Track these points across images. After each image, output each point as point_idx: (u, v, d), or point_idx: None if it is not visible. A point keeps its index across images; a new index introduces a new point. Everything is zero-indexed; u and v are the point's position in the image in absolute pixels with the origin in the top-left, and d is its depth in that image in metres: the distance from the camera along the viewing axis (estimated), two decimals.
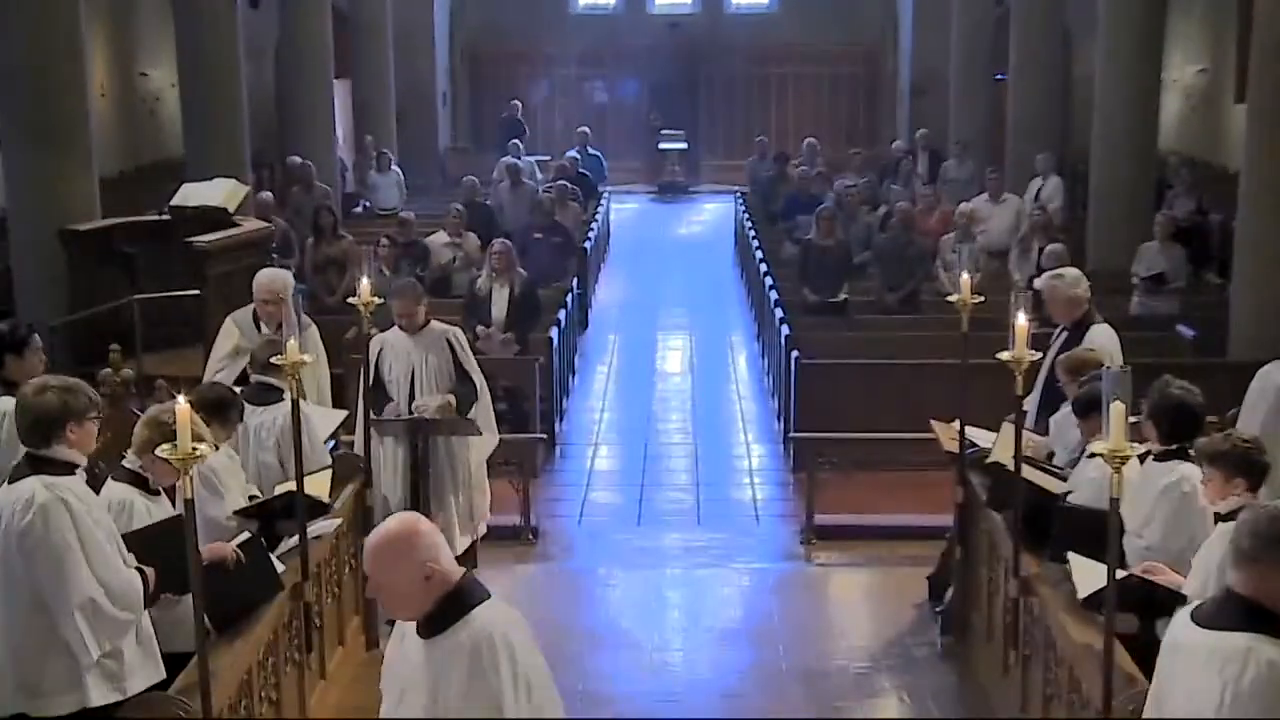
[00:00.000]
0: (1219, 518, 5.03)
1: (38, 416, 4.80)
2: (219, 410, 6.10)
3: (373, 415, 7.84)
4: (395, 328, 8.06)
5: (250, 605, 5.72)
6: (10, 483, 4.85)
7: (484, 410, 8.07)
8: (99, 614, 4.71)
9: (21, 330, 6.76)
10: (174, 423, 5.21)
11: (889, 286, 12.75)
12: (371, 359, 7.93)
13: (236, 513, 6.03)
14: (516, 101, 25.79)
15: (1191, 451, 5.40)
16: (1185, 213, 13.75)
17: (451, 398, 7.91)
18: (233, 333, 7.66)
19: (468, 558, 8.12)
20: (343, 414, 7.59)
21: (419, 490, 7.83)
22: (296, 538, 6.23)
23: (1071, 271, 7.67)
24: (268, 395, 6.89)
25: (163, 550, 5.09)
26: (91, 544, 4.73)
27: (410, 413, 7.88)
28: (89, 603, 4.69)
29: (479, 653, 3.66)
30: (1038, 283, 7.91)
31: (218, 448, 6.00)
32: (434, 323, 8.14)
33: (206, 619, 5.15)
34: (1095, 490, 6.02)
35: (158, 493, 5.42)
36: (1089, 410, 6.09)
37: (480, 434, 7.90)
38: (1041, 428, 7.22)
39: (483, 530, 8.29)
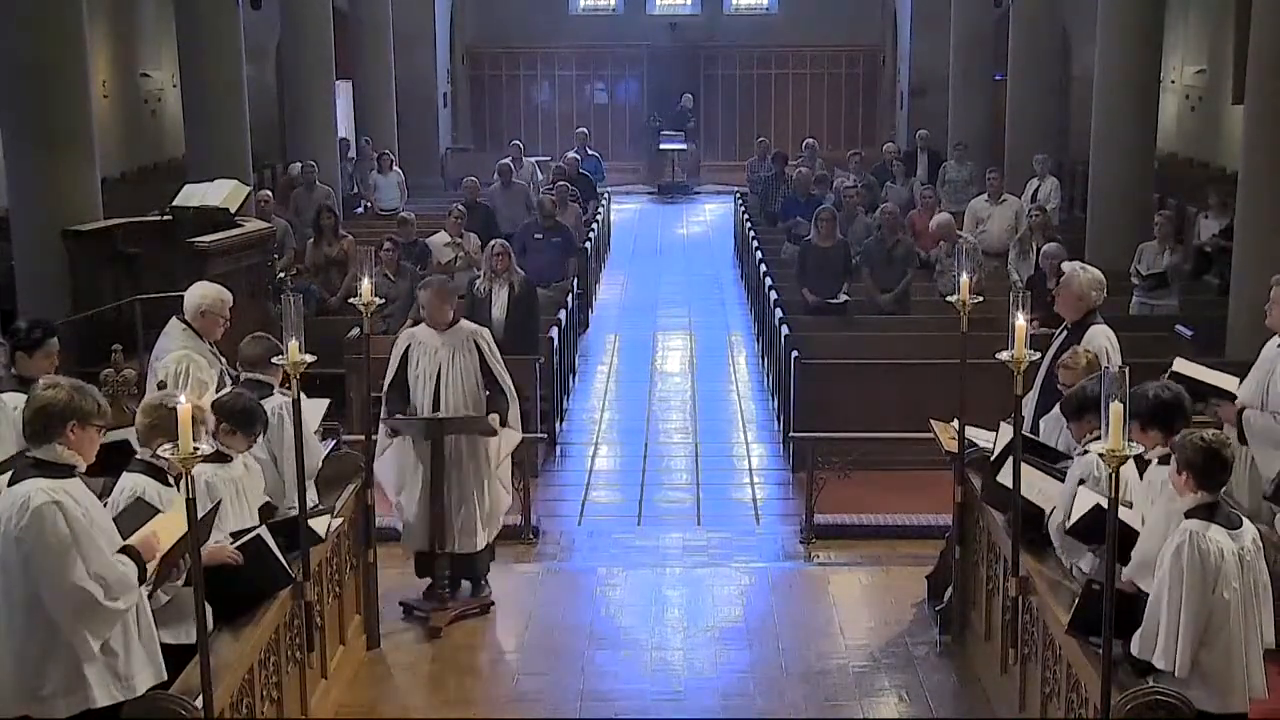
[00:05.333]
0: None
1: (43, 407, 4.82)
2: (246, 421, 6.09)
3: (392, 415, 7.88)
4: (423, 324, 8.02)
5: (260, 599, 5.77)
6: (9, 485, 4.87)
7: (513, 410, 8.05)
8: (96, 612, 4.73)
9: (37, 332, 6.74)
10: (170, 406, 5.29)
11: (880, 288, 12.77)
12: (398, 354, 7.95)
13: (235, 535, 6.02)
14: (689, 94, 26.83)
15: None
16: (1210, 236, 13.55)
17: (495, 416, 7.83)
18: (203, 365, 7.25)
19: (487, 554, 8.16)
20: (325, 402, 7.52)
21: (440, 489, 7.83)
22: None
23: (1097, 273, 7.64)
24: (259, 391, 6.88)
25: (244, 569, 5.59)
26: (87, 543, 4.74)
27: (434, 410, 7.82)
28: (86, 602, 4.70)
29: None
30: (1065, 265, 7.89)
31: (230, 457, 6.02)
32: (463, 322, 8.13)
33: (210, 612, 5.20)
34: (1071, 488, 6.01)
35: (170, 484, 5.43)
36: (1081, 412, 6.10)
37: (495, 433, 7.89)
38: (1039, 428, 7.24)
39: (496, 529, 8.27)
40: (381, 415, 7.93)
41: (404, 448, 7.95)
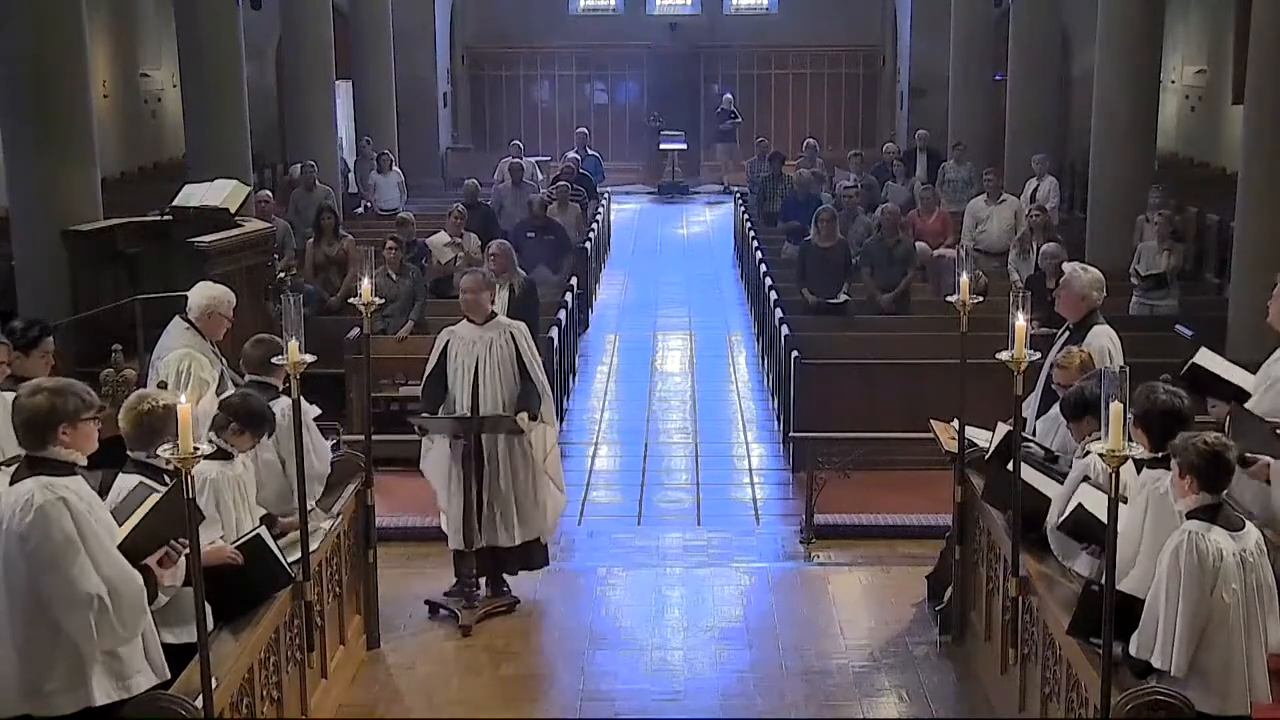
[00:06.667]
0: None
1: (28, 418, 4.83)
2: (256, 422, 6.09)
3: (425, 413, 7.91)
4: (464, 320, 8.03)
5: (260, 599, 5.77)
6: (10, 484, 4.88)
7: (546, 405, 8.07)
8: (104, 612, 4.73)
9: (33, 331, 6.75)
10: (156, 409, 5.28)
11: (880, 287, 12.77)
12: (438, 350, 7.97)
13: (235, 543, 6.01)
14: (729, 94, 26.72)
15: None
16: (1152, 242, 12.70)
17: (524, 415, 7.84)
18: (205, 364, 7.33)
19: (526, 553, 8.17)
20: (316, 410, 7.46)
21: (472, 486, 7.83)
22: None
23: (1097, 272, 7.63)
24: (264, 394, 6.87)
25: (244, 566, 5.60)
26: (94, 541, 4.74)
27: (473, 406, 7.83)
28: (96, 600, 4.70)
29: None
30: (1065, 266, 7.87)
31: (231, 456, 6.02)
32: (500, 316, 8.15)
33: (211, 612, 5.19)
34: (1070, 489, 6.00)
35: (168, 483, 5.42)
36: (1080, 412, 6.08)
37: (523, 431, 7.89)
38: (1036, 429, 7.22)
39: (549, 529, 8.26)
40: (417, 412, 7.96)
41: (444, 446, 7.97)
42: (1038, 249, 11.96)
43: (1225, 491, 5.03)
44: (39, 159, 10.74)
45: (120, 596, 4.76)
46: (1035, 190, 15.46)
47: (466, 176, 16.90)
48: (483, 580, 8.12)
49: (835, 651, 7.55)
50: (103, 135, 12.50)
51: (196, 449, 4.43)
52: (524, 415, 7.82)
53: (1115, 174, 14.28)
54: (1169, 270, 12.23)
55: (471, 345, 7.91)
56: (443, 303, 12.16)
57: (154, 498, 5.14)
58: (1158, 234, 12.36)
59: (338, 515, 7.00)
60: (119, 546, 4.88)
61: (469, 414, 7.84)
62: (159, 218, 11.34)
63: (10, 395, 6.00)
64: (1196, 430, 5.17)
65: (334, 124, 18.92)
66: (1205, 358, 6.78)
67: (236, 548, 5.71)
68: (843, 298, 12.80)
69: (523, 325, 8.22)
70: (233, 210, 11.22)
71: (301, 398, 6.26)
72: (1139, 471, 5.54)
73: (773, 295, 13.31)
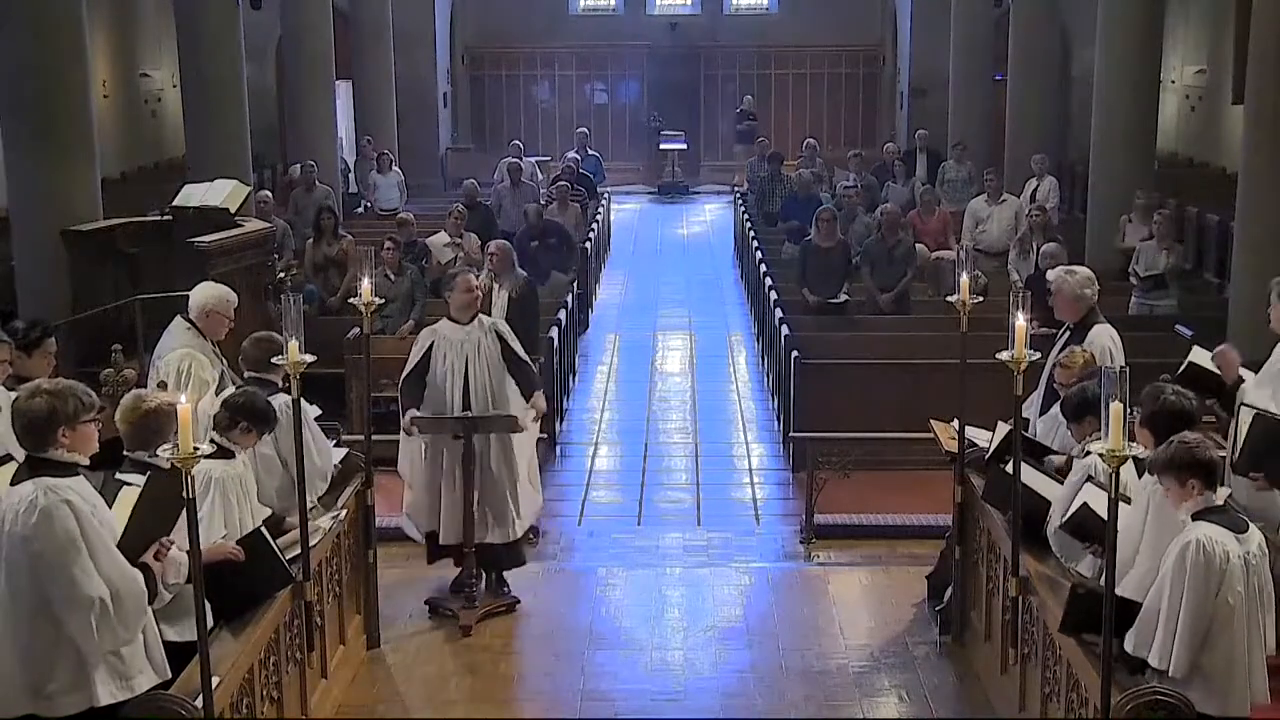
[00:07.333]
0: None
1: (28, 421, 4.83)
2: (262, 419, 6.10)
3: (416, 412, 7.88)
4: (445, 319, 8.05)
5: (259, 599, 5.77)
6: (12, 485, 4.88)
7: (537, 395, 8.13)
8: (106, 614, 4.74)
9: (35, 331, 6.76)
10: (155, 409, 5.29)
11: (880, 287, 12.77)
12: (421, 348, 7.97)
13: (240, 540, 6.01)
14: (749, 96, 26.72)
15: None
16: (1140, 240, 12.71)
17: (539, 403, 7.96)
18: (205, 364, 7.35)
19: (512, 550, 8.19)
20: (316, 410, 7.48)
21: (471, 485, 7.85)
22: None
23: (1084, 270, 7.64)
24: (264, 390, 6.86)
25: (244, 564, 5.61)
26: (97, 542, 4.75)
27: (465, 407, 7.84)
28: (98, 602, 4.71)
29: None
30: (1050, 274, 7.87)
31: (233, 454, 6.02)
32: (481, 315, 8.17)
33: (211, 611, 5.20)
34: (1069, 492, 5.99)
35: None
36: (1081, 413, 6.08)
37: (523, 430, 7.91)
38: (1036, 429, 7.22)
39: (523, 529, 8.27)
40: (402, 410, 7.93)
41: (420, 444, 7.97)
42: (1038, 249, 11.96)
43: (1229, 495, 5.04)
44: (39, 159, 10.75)
45: (122, 598, 4.77)
46: (1035, 190, 15.45)
47: (466, 176, 16.91)
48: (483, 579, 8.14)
49: (835, 651, 7.55)
50: (103, 135, 12.50)
51: (196, 449, 4.43)
52: (534, 405, 7.91)
53: (1115, 174, 14.27)
54: (1168, 270, 12.24)
55: (460, 346, 7.91)
56: (443, 303, 12.15)
57: (129, 492, 5.14)
58: (1158, 234, 12.36)
59: (341, 510, 6.99)
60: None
61: (464, 414, 7.84)
62: (159, 218, 11.35)
63: (12, 395, 6.03)
64: (1202, 432, 5.18)
65: (334, 124, 18.92)
66: (1200, 355, 6.78)
67: (238, 544, 5.71)
68: (843, 298, 12.80)
69: (503, 322, 8.24)
70: (233, 210, 11.22)
71: (302, 398, 6.27)
72: (1140, 475, 5.54)
73: (773, 295, 13.31)
